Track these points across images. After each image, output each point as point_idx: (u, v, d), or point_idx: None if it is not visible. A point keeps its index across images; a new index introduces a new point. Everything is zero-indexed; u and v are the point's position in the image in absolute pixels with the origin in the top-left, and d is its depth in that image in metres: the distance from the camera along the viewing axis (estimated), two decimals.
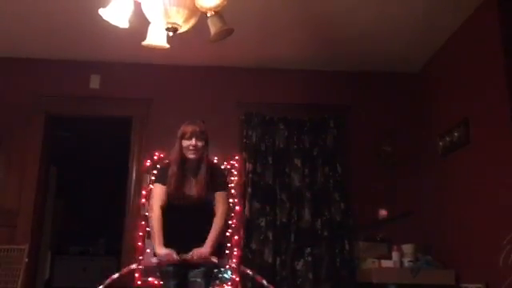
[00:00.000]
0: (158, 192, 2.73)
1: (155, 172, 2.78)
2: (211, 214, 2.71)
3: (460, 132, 3.84)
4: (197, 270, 2.62)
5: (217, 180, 2.77)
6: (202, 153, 2.73)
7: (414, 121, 4.68)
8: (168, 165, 2.81)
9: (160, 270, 2.74)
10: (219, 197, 2.74)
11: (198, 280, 2.60)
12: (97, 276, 7.70)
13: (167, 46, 2.63)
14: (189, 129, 2.74)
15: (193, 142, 2.70)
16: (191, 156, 2.71)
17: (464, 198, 3.83)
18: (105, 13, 2.29)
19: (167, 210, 2.69)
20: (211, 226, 2.68)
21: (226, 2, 2.25)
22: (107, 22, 2.40)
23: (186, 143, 2.71)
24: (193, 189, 2.69)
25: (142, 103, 4.67)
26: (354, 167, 4.56)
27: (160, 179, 2.79)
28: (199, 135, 2.72)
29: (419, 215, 4.29)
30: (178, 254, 2.57)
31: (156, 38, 2.56)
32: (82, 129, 6.32)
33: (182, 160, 2.73)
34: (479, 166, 3.60)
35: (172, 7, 2.18)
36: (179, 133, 2.75)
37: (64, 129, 5.67)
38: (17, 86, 4.67)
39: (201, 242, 2.62)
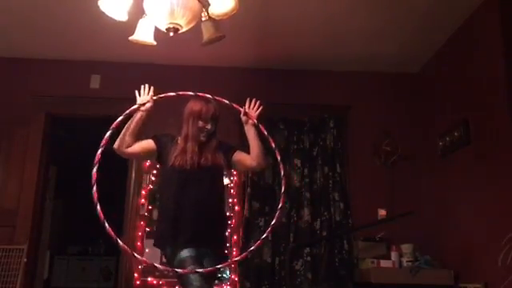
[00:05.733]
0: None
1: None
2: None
3: (460, 132, 3.84)
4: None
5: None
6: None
7: (414, 121, 4.68)
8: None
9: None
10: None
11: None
12: (96, 276, 7.78)
13: (154, 43, 2.63)
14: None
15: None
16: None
17: (463, 198, 3.83)
18: (103, 4, 2.30)
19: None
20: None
21: (235, 11, 2.28)
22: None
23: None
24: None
25: None
26: (354, 167, 4.57)
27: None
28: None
29: (418, 215, 4.27)
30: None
31: (144, 34, 2.57)
32: (82, 129, 6.30)
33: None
34: (479, 166, 3.60)
35: (180, 9, 2.20)
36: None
37: (64, 129, 5.67)
38: (17, 86, 4.66)
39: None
